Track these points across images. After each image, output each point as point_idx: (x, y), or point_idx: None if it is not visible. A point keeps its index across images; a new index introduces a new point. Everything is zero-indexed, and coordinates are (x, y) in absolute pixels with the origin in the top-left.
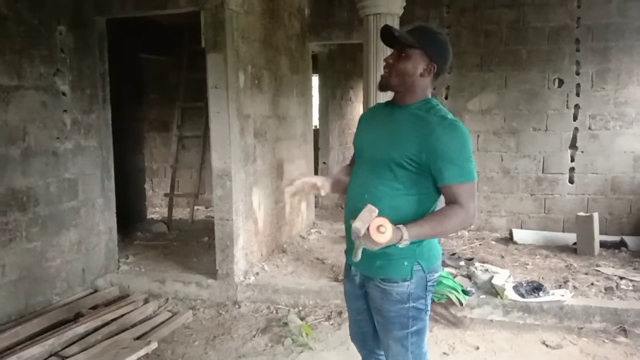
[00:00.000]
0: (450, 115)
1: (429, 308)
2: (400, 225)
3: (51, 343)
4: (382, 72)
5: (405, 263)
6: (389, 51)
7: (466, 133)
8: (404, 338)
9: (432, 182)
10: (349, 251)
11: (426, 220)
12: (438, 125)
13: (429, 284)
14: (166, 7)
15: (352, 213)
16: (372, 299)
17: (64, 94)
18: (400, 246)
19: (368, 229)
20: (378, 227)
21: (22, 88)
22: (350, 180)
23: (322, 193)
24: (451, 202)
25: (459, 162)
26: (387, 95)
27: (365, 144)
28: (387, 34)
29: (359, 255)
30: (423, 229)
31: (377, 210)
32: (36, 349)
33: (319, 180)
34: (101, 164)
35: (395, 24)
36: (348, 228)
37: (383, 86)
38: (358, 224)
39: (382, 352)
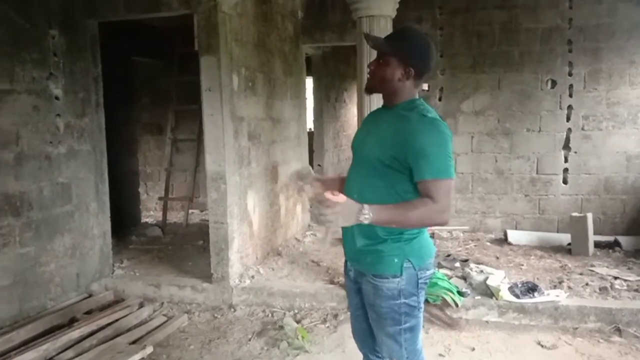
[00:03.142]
0: (431, 114)
1: (422, 305)
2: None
3: (46, 348)
4: (367, 75)
5: (395, 260)
6: None
7: (444, 131)
8: (397, 334)
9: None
10: (346, 248)
11: (393, 205)
12: (416, 122)
13: (420, 281)
14: (159, 10)
15: None
16: (365, 295)
17: (56, 97)
18: (363, 222)
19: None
20: (332, 192)
21: (14, 92)
22: (347, 178)
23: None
24: (424, 197)
25: (433, 158)
26: (379, 97)
27: (357, 144)
28: (367, 41)
29: (327, 241)
30: (388, 211)
31: (311, 173)
32: (31, 355)
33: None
34: (95, 168)
35: (388, 26)
36: (345, 228)
37: (367, 90)
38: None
39: None
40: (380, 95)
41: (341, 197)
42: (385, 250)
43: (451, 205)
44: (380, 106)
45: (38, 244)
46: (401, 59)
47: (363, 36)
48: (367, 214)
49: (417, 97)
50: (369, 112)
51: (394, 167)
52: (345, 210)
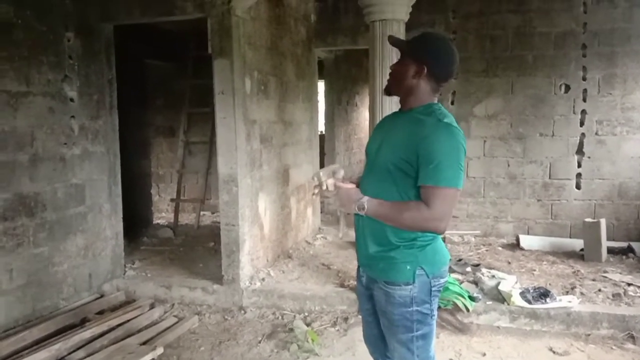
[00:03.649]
0: (447, 119)
1: (435, 313)
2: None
3: (57, 348)
4: (387, 77)
5: (408, 267)
6: (394, 57)
7: (458, 139)
8: (409, 341)
9: None
10: (357, 250)
11: (389, 202)
12: (430, 126)
13: (433, 289)
14: (173, 14)
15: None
16: (377, 301)
17: (71, 99)
18: (358, 211)
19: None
20: (344, 182)
21: (30, 94)
22: (360, 184)
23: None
24: (422, 202)
25: (440, 165)
26: (393, 101)
27: (372, 148)
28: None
29: (342, 227)
30: (382, 207)
31: (342, 172)
32: (42, 354)
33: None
34: (108, 170)
35: (401, 29)
36: (359, 229)
37: (386, 90)
38: (323, 176)
39: None
40: (394, 99)
41: (349, 185)
42: (398, 257)
43: (449, 215)
44: (396, 110)
45: (51, 245)
46: (415, 57)
47: (387, 38)
48: (363, 205)
49: (435, 101)
50: (381, 116)
51: (407, 172)
52: (343, 196)
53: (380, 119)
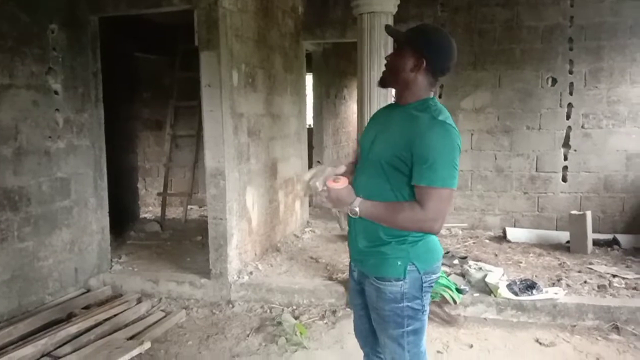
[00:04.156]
0: (442, 116)
1: (427, 308)
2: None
3: (44, 343)
4: (376, 70)
5: (399, 263)
6: (383, 50)
7: (453, 138)
8: (400, 337)
9: None
10: (349, 245)
11: (382, 203)
12: (425, 124)
13: (424, 284)
14: (160, 6)
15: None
16: (368, 296)
17: (56, 92)
18: (349, 213)
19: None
20: (334, 179)
21: (13, 87)
22: (354, 177)
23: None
24: (416, 202)
25: (435, 165)
26: (382, 94)
27: (366, 143)
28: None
29: (342, 222)
30: (375, 210)
31: (328, 170)
32: (28, 349)
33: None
34: (94, 163)
35: (389, 22)
36: (351, 224)
37: (381, 82)
38: (313, 179)
39: None
40: (382, 92)
41: (341, 184)
42: (389, 253)
43: (444, 215)
44: (389, 102)
45: (37, 239)
46: (415, 49)
47: (375, 31)
48: (355, 207)
49: (431, 96)
50: (370, 109)
51: (400, 169)
52: (334, 198)
53: (369, 112)
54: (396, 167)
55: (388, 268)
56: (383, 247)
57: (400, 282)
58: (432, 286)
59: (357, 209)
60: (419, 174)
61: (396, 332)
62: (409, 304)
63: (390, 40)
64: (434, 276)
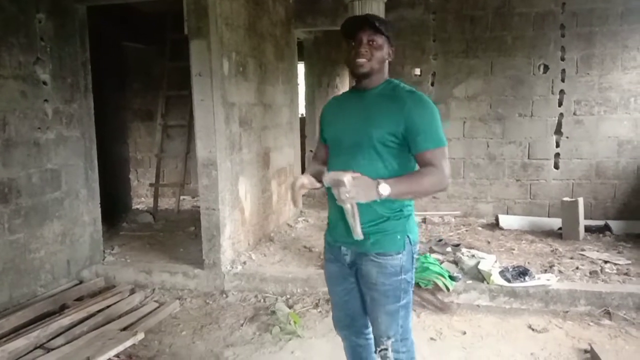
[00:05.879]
0: (412, 88)
1: (413, 282)
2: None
3: (36, 335)
4: (364, 53)
5: (399, 236)
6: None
7: (433, 104)
8: (395, 312)
9: (410, 153)
10: (340, 233)
11: (404, 177)
12: (408, 99)
13: (414, 255)
14: None
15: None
16: (365, 275)
17: (44, 83)
18: (382, 197)
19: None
20: (352, 174)
21: (1, 77)
22: (330, 169)
23: (317, 185)
24: (426, 166)
25: (430, 130)
26: None
27: (342, 132)
28: (362, 23)
29: (358, 231)
30: (402, 183)
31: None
32: (21, 341)
33: (306, 179)
34: (84, 154)
35: (380, 9)
36: (335, 212)
37: (366, 74)
38: (338, 177)
39: (370, 331)
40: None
41: (356, 174)
42: (389, 228)
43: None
44: (341, 95)
45: (28, 231)
46: (388, 38)
47: (361, 17)
48: (385, 187)
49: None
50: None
51: (390, 145)
52: (361, 184)
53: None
54: (386, 144)
55: (389, 243)
56: (383, 223)
57: (400, 255)
58: (417, 258)
59: (388, 189)
60: (423, 140)
61: (394, 306)
62: (405, 276)
63: None
64: (417, 247)
